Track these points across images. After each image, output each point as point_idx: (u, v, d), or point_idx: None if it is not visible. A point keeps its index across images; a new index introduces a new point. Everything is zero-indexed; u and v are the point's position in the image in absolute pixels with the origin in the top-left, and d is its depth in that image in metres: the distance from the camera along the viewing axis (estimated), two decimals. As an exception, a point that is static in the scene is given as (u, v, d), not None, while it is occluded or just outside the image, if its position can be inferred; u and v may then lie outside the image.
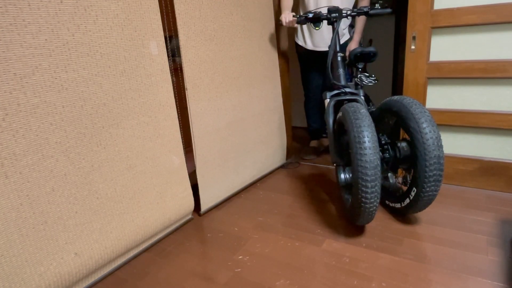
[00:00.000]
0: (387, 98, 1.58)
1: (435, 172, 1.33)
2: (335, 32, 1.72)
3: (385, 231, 1.51)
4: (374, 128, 1.30)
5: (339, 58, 1.76)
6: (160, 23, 1.46)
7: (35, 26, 1.06)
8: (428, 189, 1.36)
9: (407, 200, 1.46)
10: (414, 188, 1.40)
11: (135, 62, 1.37)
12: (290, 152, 2.62)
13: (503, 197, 1.74)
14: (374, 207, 1.32)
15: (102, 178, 1.30)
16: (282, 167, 2.45)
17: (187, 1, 1.58)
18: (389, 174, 1.55)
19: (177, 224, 1.70)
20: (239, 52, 1.93)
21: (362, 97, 1.67)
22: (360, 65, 1.80)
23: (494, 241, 1.39)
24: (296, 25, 1.96)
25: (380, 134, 1.62)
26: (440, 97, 1.85)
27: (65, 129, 1.17)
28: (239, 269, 1.34)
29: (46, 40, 1.09)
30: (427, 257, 1.32)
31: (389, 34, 2.96)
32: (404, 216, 1.62)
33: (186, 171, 1.68)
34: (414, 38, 1.81)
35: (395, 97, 1.52)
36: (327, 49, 2.22)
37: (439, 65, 1.79)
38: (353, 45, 2.19)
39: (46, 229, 1.15)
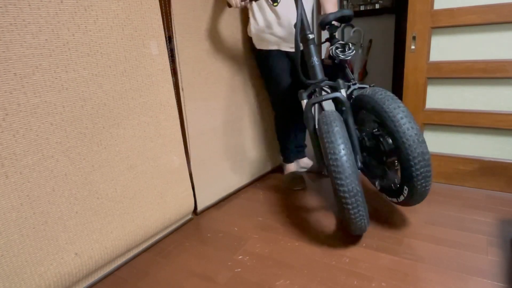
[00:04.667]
0: (359, 93, 1.44)
1: (422, 170, 1.27)
2: (300, 4, 1.38)
3: (385, 231, 1.51)
4: (348, 144, 1.24)
5: (309, 40, 1.41)
6: (161, 23, 1.46)
7: (35, 26, 1.06)
8: (418, 186, 1.31)
9: (402, 197, 1.43)
10: (405, 187, 1.36)
11: (136, 62, 1.37)
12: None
13: (503, 197, 1.74)
14: (362, 218, 1.29)
15: (102, 178, 1.30)
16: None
17: (182, 2, 1.58)
18: (385, 170, 1.51)
19: (177, 224, 1.70)
20: (233, 52, 1.93)
21: (342, 91, 1.43)
22: (337, 35, 1.57)
23: (494, 241, 1.39)
24: (248, 3, 1.53)
25: (364, 134, 1.52)
26: (440, 97, 1.85)
27: (65, 129, 1.16)
28: (239, 269, 1.34)
29: (46, 40, 1.09)
30: (427, 257, 1.32)
31: (389, 34, 2.96)
32: (403, 216, 1.63)
33: (187, 171, 1.68)
34: (414, 38, 1.81)
35: (367, 92, 1.39)
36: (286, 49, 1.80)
37: (439, 65, 1.79)
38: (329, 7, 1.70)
39: (47, 229, 1.15)
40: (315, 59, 1.41)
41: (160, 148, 1.52)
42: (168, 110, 1.54)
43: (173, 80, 1.59)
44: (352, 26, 2.76)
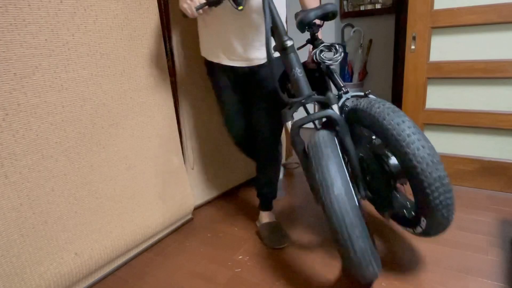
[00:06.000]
0: (352, 105, 1.19)
1: (441, 198, 1.01)
2: (267, 4, 1.10)
3: (385, 231, 1.51)
4: (344, 175, 1.01)
5: (288, 48, 1.13)
6: (159, 23, 1.46)
7: (35, 26, 1.06)
8: (440, 217, 1.05)
9: (419, 229, 1.16)
10: (422, 218, 1.10)
11: (135, 62, 1.38)
12: (290, 152, 2.62)
13: (503, 197, 1.74)
14: (369, 264, 1.00)
15: (101, 178, 1.30)
16: (282, 165, 2.45)
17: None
18: (393, 194, 1.26)
19: (177, 224, 1.70)
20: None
21: (335, 107, 1.17)
22: (321, 38, 1.33)
23: (494, 241, 1.39)
24: (207, 10, 1.19)
25: (364, 154, 1.26)
26: (440, 97, 1.85)
27: (65, 129, 1.17)
28: (239, 269, 1.35)
29: (46, 40, 1.09)
30: (427, 257, 1.32)
31: (389, 34, 2.96)
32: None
33: (185, 171, 1.69)
34: (414, 38, 1.81)
35: (362, 104, 1.14)
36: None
37: (439, 65, 1.79)
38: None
39: (46, 229, 1.15)
40: (297, 71, 1.13)
41: (158, 148, 1.52)
42: (166, 110, 1.54)
43: (171, 80, 1.59)
44: (352, 26, 2.76)
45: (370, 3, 2.99)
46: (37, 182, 1.11)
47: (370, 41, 3.04)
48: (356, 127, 1.23)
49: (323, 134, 1.10)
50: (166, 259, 1.46)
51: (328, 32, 3.02)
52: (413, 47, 1.82)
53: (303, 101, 1.15)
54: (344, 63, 3.11)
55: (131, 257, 1.48)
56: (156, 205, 1.53)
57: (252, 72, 1.36)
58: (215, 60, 1.38)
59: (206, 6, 1.15)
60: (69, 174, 1.20)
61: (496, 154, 1.78)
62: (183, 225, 1.72)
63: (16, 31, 1.02)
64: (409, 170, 1.01)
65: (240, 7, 1.12)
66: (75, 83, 1.18)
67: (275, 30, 1.13)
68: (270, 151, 1.50)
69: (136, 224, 1.45)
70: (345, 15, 3.09)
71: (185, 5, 1.17)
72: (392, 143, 1.03)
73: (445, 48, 1.77)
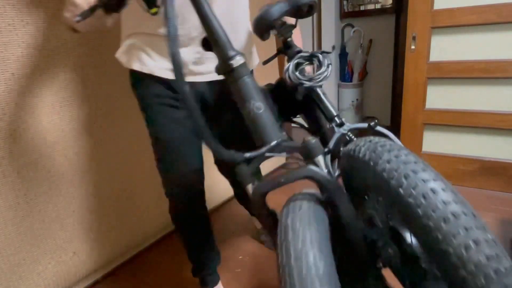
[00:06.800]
0: (346, 151, 0.68)
1: None
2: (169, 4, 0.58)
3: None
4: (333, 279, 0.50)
5: (237, 69, 0.68)
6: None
7: (33, 27, 1.06)
8: None
9: None
10: None
11: (134, 62, 1.37)
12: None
13: (503, 197, 1.73)
14: None
15: (100, 177, 1.30)
16: (281, 167, 2.45)
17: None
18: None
19: (176, 224, 1.70)
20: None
21: (319, 159, 0.68)
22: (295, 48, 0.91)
23: (494, 241, 1.38)
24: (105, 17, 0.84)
25: (372, 225, 0.73)
26: (440, 97, 1.84)
27: (63, 128, 1.17)
28: (239, 269, 1.34)
29: (44, 40, 1.09)
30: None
31: (389, 34, 2.96)
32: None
33: None
34: (414, 38, 1.80)
35: (362, 150, 0.63)
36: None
37: (439, 65, 1.78)
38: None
39: (44, 228, 1.15)
40: (254, 105, 0.69)
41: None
42: (167, 110, 1.54)
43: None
44: (352, 26, 2.76)
45: (370, 3, 2.99)
46: (34, 181, 1.11)
47: (370, 41, 3.04)
48: (355, 180, 0.73)
49: (303, 210, 0.62)
50: (166, 259, 1.46)
51: (328, 32, 3.02)
52: (413, 47, 1.82)
53: (266, 154, 0.71)
54: (344, 63, 3.10)
55: (131, 256, 1.48)
56: (155, 205, 1.53)
57: (210, 89, 0.97)
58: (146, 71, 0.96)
59: (100, 10, 0.74)
60: (67, 173, 1.20)
61: (496, 154, 1.77)
62: (182, 225, 1.72)
63: (14, 32, 1.02)
64: (454, 283, 0.52)
65: (153, 10, 0.75)
66: (73, 83, 1.18)
67: (211, 39, 0.69)
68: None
69: (135, 224, 1.45)
70: (345, 15, 3.09)
71: (67, 14, 0.78)
72: (419, 232, 0.54)
73: (445, 48, 1.77)
